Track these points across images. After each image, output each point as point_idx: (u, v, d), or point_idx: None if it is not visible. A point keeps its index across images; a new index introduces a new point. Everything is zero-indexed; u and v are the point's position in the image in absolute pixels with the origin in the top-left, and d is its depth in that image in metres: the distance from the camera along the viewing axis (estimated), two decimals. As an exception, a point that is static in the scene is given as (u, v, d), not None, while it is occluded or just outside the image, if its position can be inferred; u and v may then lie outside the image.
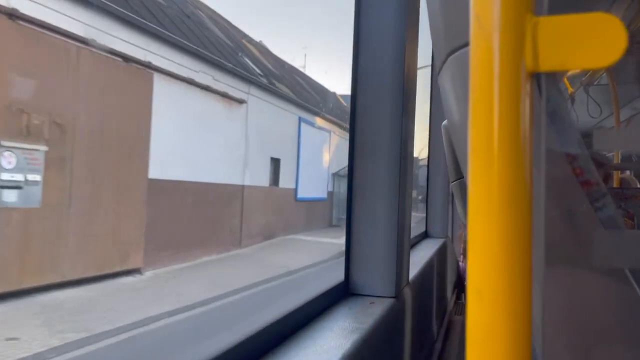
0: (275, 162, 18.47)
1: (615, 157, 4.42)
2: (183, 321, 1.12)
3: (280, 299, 1.29)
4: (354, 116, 1.57)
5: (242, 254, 14.49)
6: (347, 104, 32.76)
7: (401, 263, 1.61)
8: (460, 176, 1.79)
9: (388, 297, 1.53)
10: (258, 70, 18.00)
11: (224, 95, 14.31)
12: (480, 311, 0.42)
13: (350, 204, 1.59)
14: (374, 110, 1.54)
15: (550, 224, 0.69)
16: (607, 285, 0.75)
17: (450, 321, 3.93)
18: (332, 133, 24.19)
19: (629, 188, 3.45)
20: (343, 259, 1.58)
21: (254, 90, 16.30)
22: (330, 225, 23.77)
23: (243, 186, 15.56)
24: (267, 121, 17.16)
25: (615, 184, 3.81)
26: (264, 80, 17.63)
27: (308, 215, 21.16)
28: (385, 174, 1.54)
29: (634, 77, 4.12)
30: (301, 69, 30.21)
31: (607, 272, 0.73)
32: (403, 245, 1.63)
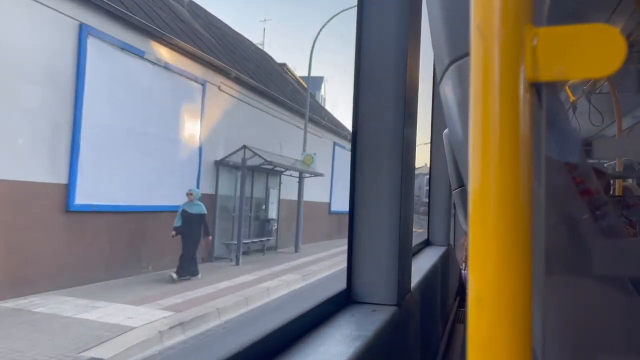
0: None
1: (618, 165, 4.42)
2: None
3: (283, 307, 1.29)
4: (356, 124, 1.57)
5: None
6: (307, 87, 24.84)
7: (403, 271, 1.61)
8: (461, 184, 1.79)
9: (390, 304, 1.53)
10: None
11: None
12: (480, 318, 0.43)
13: (352, 212, 1.59)
14: (375, 118, 1.55)
15: (550, 232, 0.69)
16: (607, 293, 0.75)
17: (453, 328, 3.91)
18: (208, 85, 13.43)
19: (631, 196, 3.44)
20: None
21: None
22: (209, 258, 13.44)
23: None
24: None
25: (617, 192, 3.81)
26: None
27: (124, 242, 10.48)
28: (386, 182, 1.54)
29: (636, 85, 4.13)
30: (260, 47, 24.78)
31: (607, 280, 0.73)
32: (405, 253, 1.63)
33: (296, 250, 17.95)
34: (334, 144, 24.64)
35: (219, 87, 14.11)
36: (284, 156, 17.38)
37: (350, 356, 1.07)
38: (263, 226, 17.02)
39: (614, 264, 0.71)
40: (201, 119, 13.41)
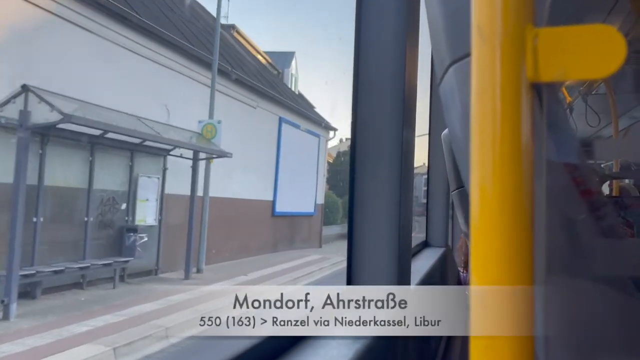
0: None
1: (615, 165, 4.42)
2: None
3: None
4: (355, 126, 1.57)
5: None
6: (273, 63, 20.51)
7: (402, 272, 1.61)
8: (460, 185, 1.79)
9: None
10: None
11: None
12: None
13: (351, 214, 1.59)
14: (374, 120, 1.55)
15: (551, 232, 0.69)
16: (609, 294, 0.75)
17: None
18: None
19: (629, 197, 3.45)
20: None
21: None
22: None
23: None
24: None
25: (614, 193, 3.81)
26: None
27: None
28: (385, 184, 1.54)
29: (633, 86, 4.14)
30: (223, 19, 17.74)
31: (608, 280, 0.73)
32: (404, 255, 1.63)
33: (187, 277, 11.50)
34: (280, 119, 17.94)
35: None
36: (166, 124, 11.14)
37: (351, 358, 1.06)
38: (121, 239, 10.82)
39: (615, 265, 0.71)
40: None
